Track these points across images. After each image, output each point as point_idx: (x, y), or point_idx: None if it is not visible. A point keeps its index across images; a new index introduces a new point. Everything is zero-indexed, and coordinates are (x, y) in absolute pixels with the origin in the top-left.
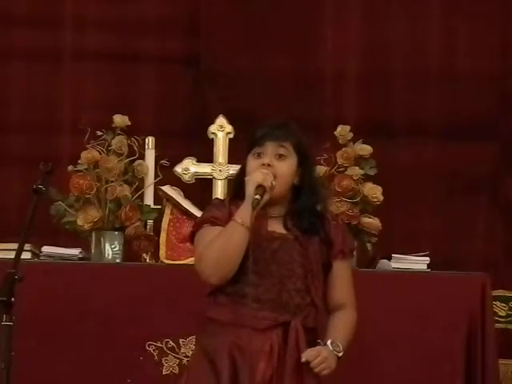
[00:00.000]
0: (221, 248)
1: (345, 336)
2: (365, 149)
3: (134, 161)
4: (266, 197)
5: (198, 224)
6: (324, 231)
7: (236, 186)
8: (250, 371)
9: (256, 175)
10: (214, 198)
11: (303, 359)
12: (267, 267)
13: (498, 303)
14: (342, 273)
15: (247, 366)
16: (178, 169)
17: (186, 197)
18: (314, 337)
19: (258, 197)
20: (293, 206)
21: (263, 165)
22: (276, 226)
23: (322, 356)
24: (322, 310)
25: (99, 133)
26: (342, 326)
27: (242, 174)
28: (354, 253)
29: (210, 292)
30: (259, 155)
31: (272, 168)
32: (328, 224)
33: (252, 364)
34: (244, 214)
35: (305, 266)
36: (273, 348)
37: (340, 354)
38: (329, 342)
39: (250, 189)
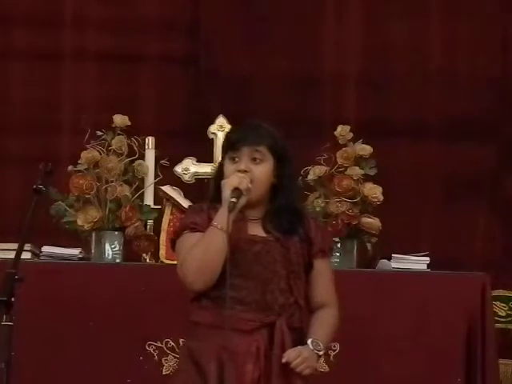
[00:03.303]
0: (201, 254)
1: (326, 334)
2: (365, 149)
3: (134, 161)
4: (243, 200)
5: (178, 231)
6: (304, 230)
7: (214, 188)
8: (237, 373)
9: (232, 179)
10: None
11: (283, 360)
12: (250, 269)
13: (498, 303)
14: (322, 271)
15: (234, 368)
16: (178, 169)
17: (186, 197)
18: (300, 336)
19: (233, 200)
20: (271, 206)
21: (239, 171)
22: (256, 230)
23: (302, 356)
24: (306, 309)
25: (99, 133)
26: (323, 324)
27: (219, 176)
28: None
29: (193, 297)
30: (234, 160)
31: (249, 173)
32: (307, 223)
33: (239, 366)
34: (222, 218)
35: (287, 266)
36: (259, 349)
37: (321, 353)
38: (309, 341)
39: (226, 192)
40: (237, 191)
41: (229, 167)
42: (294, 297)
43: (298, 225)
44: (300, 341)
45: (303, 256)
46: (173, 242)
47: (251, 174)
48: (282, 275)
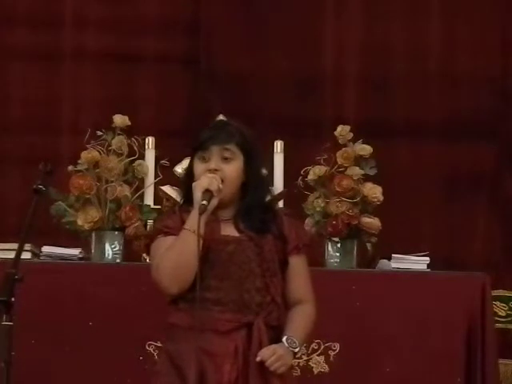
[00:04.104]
0: (175, 258)
1: (302, 331)
2: (365, 149)
3: (134, 161)
4: (215, 201)
5: (152, 236)
6: (277, 227)
7: (185, 190)
8: (215, 374)
9: (202, 180)
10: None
11: (258, 359)
12: (225, 269)
13: (497, 303)
14: (298, 268)
15: (213, 369)
16: (178, 169)
17: None
18: (279, 335)
19: (205, 202)
20: (241, 205)
21: (210, 170)
22: (229, 230)
23: (276, 354)
24: (283, 307)
25: (99, 133)
26: (299, 320)
27: (189, 177)
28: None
29: (171, 300)
30: (204, 159)
31: (219, 172)
32: (280, 219)
33: (217, 367)
34: (194, 221)
35: (262, 264)
36: (237, 349)
37: (296, 350)
38: (284, 339)
39: (197, 195)
40: (207, 193)
41: (199, 167)
42: (270, 295)
43: (271, 222)
44: (278, 339)
45: (278, 253)
46: (147, 247)
47: (222, 172)
48: (258, 274)
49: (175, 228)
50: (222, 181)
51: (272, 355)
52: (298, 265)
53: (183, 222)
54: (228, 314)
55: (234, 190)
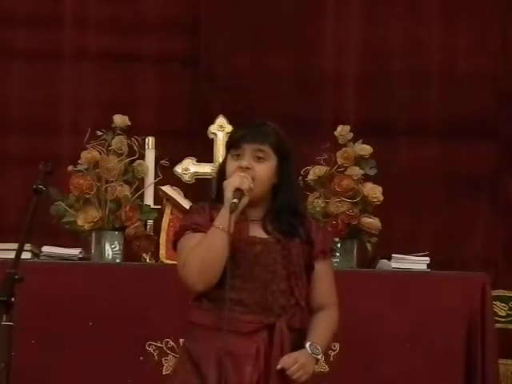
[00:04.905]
0: (203, 255)
1: (325, 337)
2: (365, 149)
3: (134, 161)
4: (245, 200)
5: (180, 231)
6: (304, 231)
7: (216, 188)
8: (236, 375)
9: (233, 179)
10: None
11: (278, 367)
12: (250, 270)
13: (497, 303)
14: (323, 273)
15: (233, 370)
16: (178, 169)
17: (186, 197)
18: (301, 337)
19: (235, 201)
20: (272, 206)
21: (241, 168)
22: (257, 231)
23: (298, 363)
24: (307, 310)
25: (99, 133)
26: (322, 326)
27: (221, 175)
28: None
29: (194, 297)
30: (238, 157)
31: (251, 171)
32: (308, 224)
33: (238, 368)
34: (224, 219)
35: (287, 267)
36: (259, 351)
37: (319, 357)
38: (307, 345)
39: (228, 193)
40: (238, 192)
41: (231, 164)
42: (295, 298)
43: (299, 226)
44: (301, 342)
45: (304, 257)
46: (174, 243)
47: (253, 171)
48: (283, 276)
49: (204, 225)
50: (253, 180)
51: (294, 363)
52: (323, 269)
53: (212, 220)
54: (250, 315)
55: (264, 190)
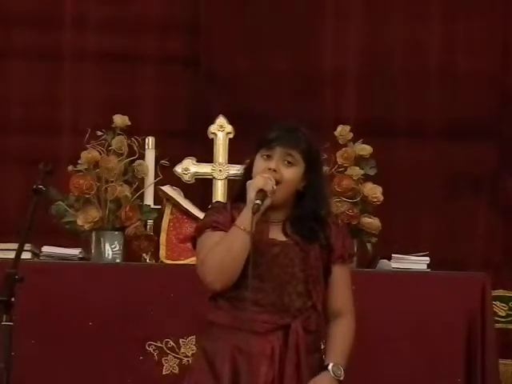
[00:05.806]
0: (223, 254)
1: (345, 353)
2: (365, 149)
3: (134, 161)
4: (267, 202)
5: (200, 229)
6: (324, 236)
7: (239, 186)
8: (251, 375)
9: (257, 180)
10: (215, 200)
11: None
12: (268, 271)
13: (497, 303)
14: (340, 278)
15: (248, 369)
16: (178, 169)
17: (186, 197)
18: (317, 340)
19: (258, 202)
20: (294, 211)
21: (269, 169)
22: (276, 234)
23: None
24: (323, 313)
25: (99, 133)
26: (341, 340)
27: (247, 173)
28: (354, 258)
29: (211, 296)
30: (268, 157)
31: (277, 173)
32: (329, 229)
33: (253, 368)
34: (245, 219)
35: (305, 270)
36: (274, 351)
37: (341, 378)
38: (330, 367)
39: (250, 194)
40: (262, 193)
41: (260, 164)
42: (312, 301)
43: (320, 232)
44: (315, 344)
45: (323, 261)
46: (193, 239)
47: (280, 174)
48: (300, 279)
49: (224, 224)
50: (277, 182)
51: None
52: (341, 274)
53: (233, 219)
54: (265, 315)
55: (287, 194)
